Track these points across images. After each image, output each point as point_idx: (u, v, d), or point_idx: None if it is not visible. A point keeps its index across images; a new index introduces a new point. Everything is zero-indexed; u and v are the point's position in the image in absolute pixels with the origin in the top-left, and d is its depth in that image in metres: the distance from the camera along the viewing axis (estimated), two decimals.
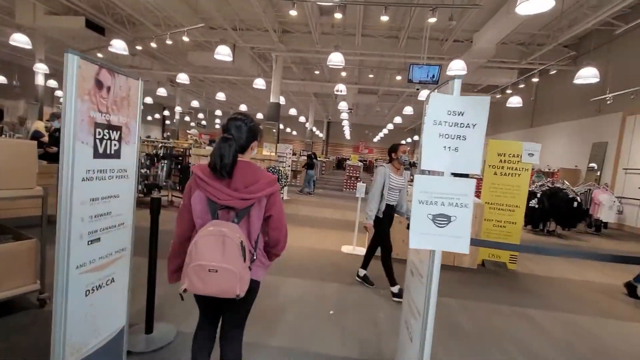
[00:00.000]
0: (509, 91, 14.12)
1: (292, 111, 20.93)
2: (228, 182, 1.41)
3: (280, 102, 17.57)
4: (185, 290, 1.33)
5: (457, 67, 9.73)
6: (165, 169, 6.68)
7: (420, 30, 11.58)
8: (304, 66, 17.71)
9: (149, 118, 32.95)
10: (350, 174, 13.29)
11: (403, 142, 8.63)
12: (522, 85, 13.00)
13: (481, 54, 10.78)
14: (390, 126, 23.23)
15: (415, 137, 29.43)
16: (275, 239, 1.55)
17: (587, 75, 7.97)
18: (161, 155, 6.69)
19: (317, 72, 17.74)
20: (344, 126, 28.72)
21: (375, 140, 33.93)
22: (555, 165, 12.69)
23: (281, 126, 32.42)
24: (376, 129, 33.79)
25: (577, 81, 8.05)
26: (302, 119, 24.10)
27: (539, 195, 7.49)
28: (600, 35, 10.66)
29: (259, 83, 13.52)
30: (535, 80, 12.43)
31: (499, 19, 8.77)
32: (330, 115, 27.32)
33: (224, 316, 1.59)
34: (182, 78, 13.73)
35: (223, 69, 18.06)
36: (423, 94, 12.66)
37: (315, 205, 9.22)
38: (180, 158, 6.91)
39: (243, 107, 21.67)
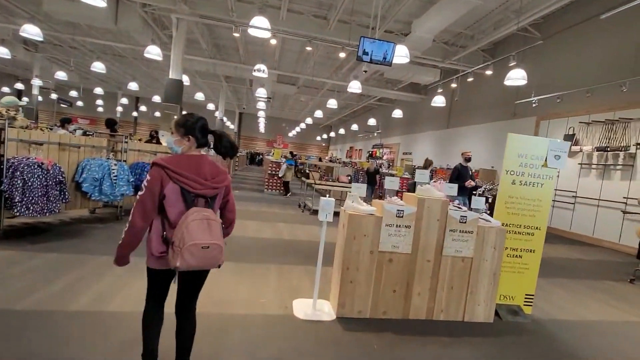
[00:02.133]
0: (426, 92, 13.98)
1: (199, 96, 17.64)
2: (197, 173, 1.65)
3: (184, 82, 14.33)
4: (177, 267, 1.54)
5: (400, 53, 8.70)
6: None
7: (352, 14, 10.21)
8: (215, 41, 14.75)
9: None
10: (272, 172, 11.20)
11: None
12: (446, 87, 12.78)
13: (417, 45, 9.90)
14: (309, 120, 21.76)
15: (332, 134, 28.72)
16: (230, 220, 1.91)
17: (517, 77, 8.00)
18: None
19: (225, 46, 15.00)
20: (258, 117, 26.19)
21: (290, 135, 32.25)
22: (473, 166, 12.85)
23: (185, 112, 27.90)
24: (293, 123, 32.13)
25: (507, 82, 8.02)
26: (210, 106, 20.76)
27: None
28: (517, 41, 10.95)
29: (153, 52, 10.35)
30: (453, 84, 12.34)
31: (446, 5, 7.84)
32: (244, 104, 24.49)
33: (187, 290, 1.80)
34: (31, 31, 9.62)
35: (101, 32, 13.79)
36: (353, 86, 11.42)
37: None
38: None
39: (133, 86, 17.31)
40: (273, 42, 10.02)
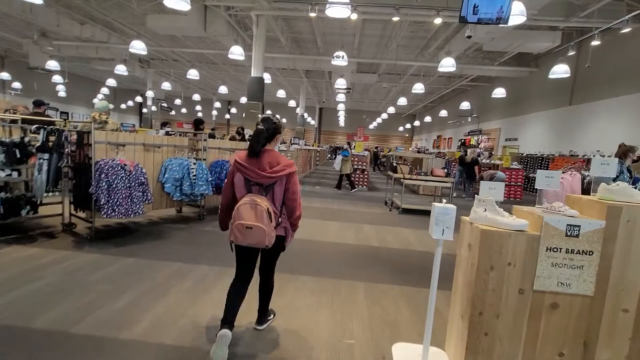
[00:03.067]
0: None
1: (281, 93, 17.80)
2: (258, 165, 2.00)
3: (265, 80, 14.45)
4: (232, 241, 1.97)
5: (514, 10, 7.06)
6: (48, 167, 3.66)
7: None
8: (293, 35, 14.53)
9: (123, 106, 29.29)
10: (356, 166, 10.38)
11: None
12: (572, 52, 10.01)
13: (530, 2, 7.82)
14: (391, 109, 20.27)
15: (416, 123, 26.51)
16: (291, 208, 2.11)
17: None
18: (40, 144, 3.64)
19: (304, 40, 14.60)
20: (338, 111, 25.65)
21: (371, 127, 30.97)
22: (608, 151, 9.96)
23: (269, 112, 28.99)
24: (373, 114, 30.80)
25: None
26: (291, 103, 20.95)
27: None
28: None
29: (236, 52, 10.42)
30: (574, 50, 9.43)
31: None
32: (324, 98, 24.20)
33: (261, 261, 2.19)
34: (138, 47, 10.52)
35: (194, 41, 14.78)
36: (446, 64, 9.80)
37: (316, 217, 6.26)
38: (72, 149, 3.88)
39: (223, 90, 18.41)
40: (354, 16, 8.93)
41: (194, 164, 4.65)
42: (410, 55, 15.30)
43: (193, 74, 14.48)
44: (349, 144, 11.04)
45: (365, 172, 10.33)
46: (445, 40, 13.19)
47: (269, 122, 2.08)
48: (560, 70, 9.26)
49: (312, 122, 31.21)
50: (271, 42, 15.41)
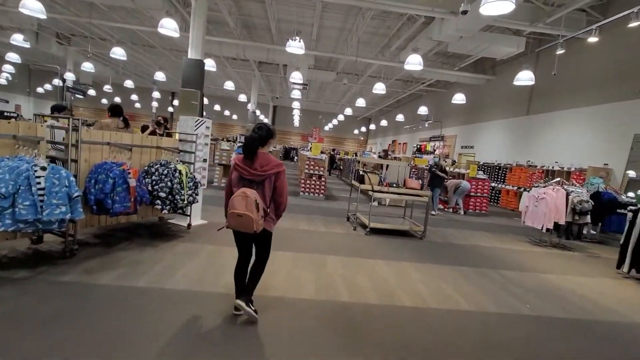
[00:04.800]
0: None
1: (229, 85, 15.58)
2: (251, 165, 2.35)
3: (209, 67, 12.24)
4: (227, 226, 2.34)
5: (413, 61, 7.23)
6: None
7: None
8: (244, 19, 12.54)
9: (40, 89, 24.53)
10: (310, 171, 8.77)
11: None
12: (528, 62, 9.48)
13: None
14: (348, 111, 19.09)
15: (372, 126, 25.82)
16: (278, 202, 2.45)
17: None
18: None
19: (255, 26, 12.72)
20: (293, 109, 23.95)
21: (326, 128, 29.74)
22: (567, 163, 9.61)
23: (217, 107, 26.35)
24: (329, 116, 29.60)
25: None
26: (242, 97, 18.78)
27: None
28: None
29: (168, 26, 8.30)
30: (559, 51, 8.90)
31: None
32: (278, 94, 22.30)
33: (256, 247, 2.55)
34: (32, 6, 7.84)
35: (121, 14, 12.09)
36: (412, 61, 8.63)
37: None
38: None
39: (160, 76, 15.68)
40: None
41: (43, 168, 2.66)
42: (371, 54, 14.18)
43: (118, 52, 11.76)
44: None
45: (323, 179, 8.79)
46: (407, 40, 12.20)
47: (263, 129, 2.42)
48: (524, 77, 8.54)
49: (266, 120, 29.10)
50: (218, 26, 13.24)
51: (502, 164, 12.02)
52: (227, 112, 27.46)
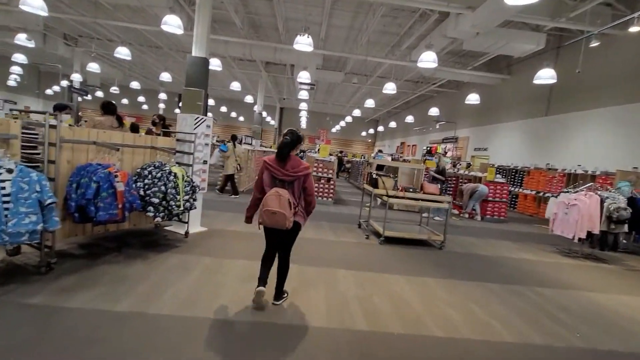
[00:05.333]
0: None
1: (235, 86, 15.27)
2: (283, 166, 2.53)
3: (215, 67, 11.92)
4: (260, 223, 2.50)
5: (427, 58, 6.92)
6: None
7: None
8: (250, 18, 12.20)
9: (49, 91, 24.59)
10: (318, 174, 8.31)
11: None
12: (549, 59, 8.88)
13: None
14: (356, 112, 18.61)
15: (380, 128, 25.28)
16: (308, 201, 2.66)
17: None
18: None
19: (262, 25, 12.35)
20: (300, 111, 23.56)
21: (333, 130, 29.30)
22: (591, 166, 8.98)
23: (224, 108, 26.07)
24: (336, 118, 29.15)
25: None
26: (248, 99, 18.45)
27: None
28: None
29: (172, 22, 7.99)
30: (591, 45, 8.30)
31: None
32: (285, 95, 21.93)
33: (280, 243, 2.69)
34: (34, 4, 7.59)
35: (126, 12, 11.84)
36: (426, 58, 8.13)
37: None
38: None
39: (166, 77, 15.42)
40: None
41: (9, 171, 2.25)
42: (381, 53, 13.71)
43: (123, 52, 11.51)
44: (233, 137, 8.18)
45: (332, 182, 8.33)
46: (419, 38, 11.71)
47: (293, 134, 2.60)
48: (546, 75, 7.99)
49: (272, 122, 28.78)
50: (224, 25, 12.93)
51: (519, 167, 11.41)
52: (233, 114, 27.21)
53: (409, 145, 22.55)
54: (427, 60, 7.89)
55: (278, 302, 2.74)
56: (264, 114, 23.15)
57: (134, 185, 3.34)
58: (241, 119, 28.38)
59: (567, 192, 5.94)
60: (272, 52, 13.18)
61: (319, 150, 9.21)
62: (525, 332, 2.72)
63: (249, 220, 2.77)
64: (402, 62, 12.71)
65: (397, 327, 2.59)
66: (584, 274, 4.62)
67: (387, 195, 4.97)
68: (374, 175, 5.24)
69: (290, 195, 2.45)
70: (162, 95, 22.11)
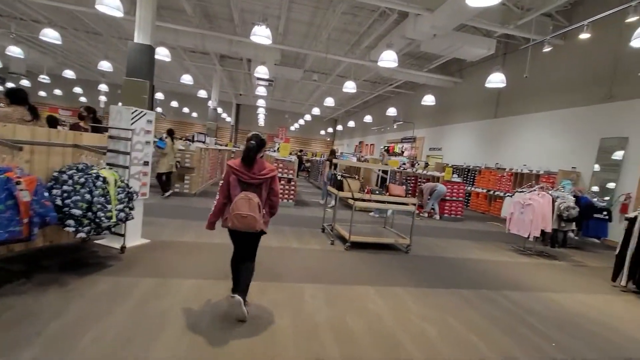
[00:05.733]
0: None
1: (187, 79, 14.12)
2: (250, 170, 2.52)
3: (163, 57, 10.89)
4: (230, 227, 2.47)
5: (388, 57, 6.76)
6: None
7: None
8: (203, 6, 11.27)
9: None
10: (280, 174, 7.83)
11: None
12: (496, 64, 9.33)
13: None
14: (315, 111, 18.32)
15: (339, 127, 25.30)
16: (273, 202, 2.67)
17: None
18: None
19: (217, 15, 11.52)
20: (258, 107, 22.70)
21: (292, 128, 28.80)
22: (536, 166, 9.59)
23: (175, 103, 24.19)
24: (295, 116, 28.67)
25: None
26: (202, 93, 17.26)
27: None
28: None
29: (109, 2, 6.97)
30: (544, 49, 8.75)
31: None
32: (242, 90, 20.94)
33: (245, 247, 2.68)
34: None
35: None
36: (387, 57, 8.02)
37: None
38: None
39: (106, 66, 13.76)
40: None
41: None
42: (340, 52, 13.51)
43: (51, 35, 10.01)
44: (170, 132, 7.32)
45: (292, 183, 7.89)
46: (378, 38, 11.70)
47: (258, 138, 2.59)
48: (496, 79, 8.31)
49: (228, 119, 27.49)
50: (174, 13, 11.81)
51: (471, 167, 11.91)
52: (186, 110, 25.48)
53: (367, 145, 22.82)
54: (388, 59, 7.76)
55: (240, 306, 2.73)
56: (219, 110, 21.94)
57: (46, 194, 2.63)
58: (194, 115, 26.71)
59: (522, 191, 6.13)
60: (227, 45, 12.35)
61: (278, 149, 8.72)
62: (503, 345, 2.55)
63: (211, 226, 2.67)
64: (361, 61, 12.62)
65: (374, 352, 2.26)
66: (540, 273, 4.72)
67: (353, 198, 4.67)
68: (339, 177, 4.92)
69: (259, 198, 2.49)
70: (103, 87, 19.91)
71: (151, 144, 3.89)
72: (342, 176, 4.89)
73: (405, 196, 5.06)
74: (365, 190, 4.85)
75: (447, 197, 8.58)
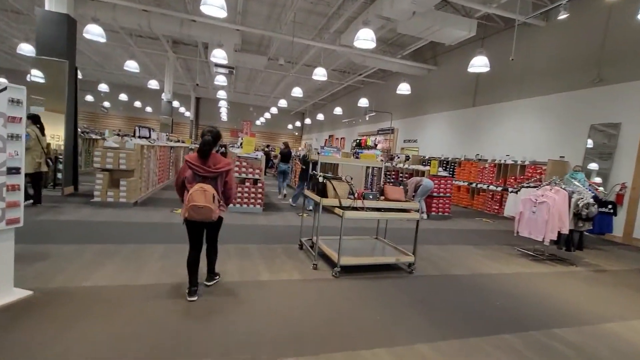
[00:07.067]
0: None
1: (131, 66, 11.98)
2: (205, 163, 2.62)
3: (99, 38, 8.88)
4: (185, 219, 2.56)
5: (364, 36, 5.93)
6: None
7: None
8: None
9: None
10: (242, 174, 6.39)
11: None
12: (474, 48, 8.51)
13: None
14: (282, 103, 16.82)
15: (307, 121, 23.98)
16: (228, 195, 2.80)
17: None
18: None
19: None
20: (219, 100, 20.73)
21: (258, 123, 27.02)
22: (520, 156, 8.98)
23: (123, 96, 21.25)
24: (260, 110, 26.88)
25: None
26: (152, 84, 15.08)
27: None
28: None
29: None
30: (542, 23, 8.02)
31: None
32: (199, 81, 18.84)
33: (207, 234, 2.86)
34: None
35: None
36: (363, 36, 6.86)
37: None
38: None
39: (26, 49, 11.29)
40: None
41: None
42: (307, 37, 12.16)
43: None
44: (34, 117, 5.36)
45: (259, 184, 6.50)
46: (348, 20, 10.53)
47: (212, 132, 2.66)
48: (479, 63, 7.41)
49: (187, 114, 25.10)
50: None
51: (450, 159, 11.20)
52: (137, 104, 22.76)
53: (337, 138, 21.74)
54: (365, 38, 6.57)
55: (210, 283, 2.95)
56: (176, 104, 19.70)
57: None
58: (148, 109, 24.01)
59: (527, 186, 5.27)
60: (177, 26, 10.52)
61: (241, 144, 7.26)
62: None
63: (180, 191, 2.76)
64: (332, 45, 11.38)
65: None
66: (570, 288, 3.81)
67: (342, 207, 3.44)
68: (320, 179, 3.66)
69: (214, 190, 2.59)
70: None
71: (22, 139, 2.37)
72: (324, 177, 3.63)
73: (406, 199, 3.92)
74: (356, 195, 3.64)
75: (435, 194, 7.66)
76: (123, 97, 20.99)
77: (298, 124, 28.42)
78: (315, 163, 7.65)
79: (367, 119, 15.84)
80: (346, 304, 2.87)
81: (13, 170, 2.31)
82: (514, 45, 7.92)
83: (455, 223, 7.31)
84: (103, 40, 9.07)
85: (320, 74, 9.92)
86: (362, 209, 3.51)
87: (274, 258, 3.89)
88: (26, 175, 5.06)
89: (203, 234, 2.76)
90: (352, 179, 3.76)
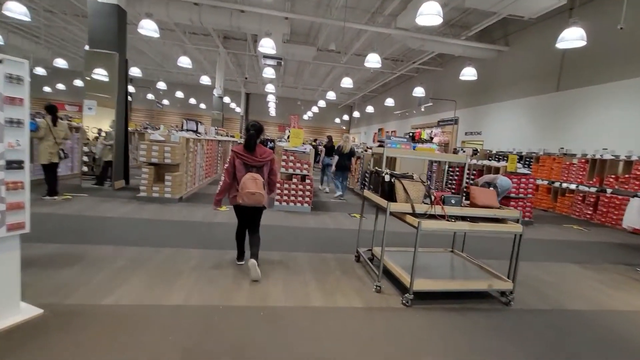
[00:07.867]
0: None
1: (184, 62, 12.07)
2: (252, 154, 2.90)
3: (153, 33, 8.88)
4: (240, 204, 2.84)
5: (429, 10, 5.41)
6: None
7: None
8: None
9: None
10: (289, 170, 5.79)
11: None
12: (558, 21, 6.80)
13: None
14: (330, 95, 16.04)
15: (356, 114, 22.96)
16: (273, 180, 3.12)
17: None
18: None
19: None
20: (267, 94, 20.65)
21: (305, 117, 26.66)
22: (624, 150, 7.19)
23: (180, 94, 22.11)
24: (307, 104, 26.48)
25: None
26: (204, 80, 15.28)
27: None
28: None
29: None
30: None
31: None
32: (247, 74, 18.80)
33: (251, 220, 3.07)
34: None
35: None
36: (427, 10, 5.79)
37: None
38: None
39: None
40: None
41: None
42: (359, 22, 11.21)
43: (17, 10, 8.17)
44: (50, 108, 5.05)
45: (308, 181, 5.85)
46: (404, 1, 9.39)
47: (255, 127, 2.96)
48: (573, 36, 5.83)
49: (238, 110, 25.60)
50: None
51: (524, 153, 9.55)
52: (193, 101, 23.66)
53: (387, 132, 20.47)
54: (429, 12, 5.47)
55: (255, 267, 2.91)
56: (227, 99, 19.99)
57: None
58: (202, 106, 24.90)
59: None
60: (226, 17, 10.26)
61: (288, 137, 6.67)
62: None
63: (218, 203, 3.03)
64: (387, 29, 10.32)
65: None
66: None
67: (415, 214, 2.60)
68: (387, 177, 2.83)
69: (262, 178, 2.85)
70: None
71: (25, 126, 1.91)
72: (391, 176, 2.81)
73: (499, 207, 2.93)
74: (434, 200, 2.76)
75: (513, 195, 6.36)
76: (179, 94, 21.90)
77: (346, 117, 27.50)
78: (351, 154, 7.58)
79: (422, 109, 14.44)
80: (426, 348, 2.04)
81: (14, 164, 1.86)
82: (624, 10, 6.21)
83: (540, 231, 5.97)
84: (157, 35, 9.05)
85: (373, 60, 8.97)
86: (443, 217, 2.63)
87: (327, 273, 3.17)
88: (44, 166, 4.97)
89: (249, 216, 3.03)
90: (426, 181, 2.87)
